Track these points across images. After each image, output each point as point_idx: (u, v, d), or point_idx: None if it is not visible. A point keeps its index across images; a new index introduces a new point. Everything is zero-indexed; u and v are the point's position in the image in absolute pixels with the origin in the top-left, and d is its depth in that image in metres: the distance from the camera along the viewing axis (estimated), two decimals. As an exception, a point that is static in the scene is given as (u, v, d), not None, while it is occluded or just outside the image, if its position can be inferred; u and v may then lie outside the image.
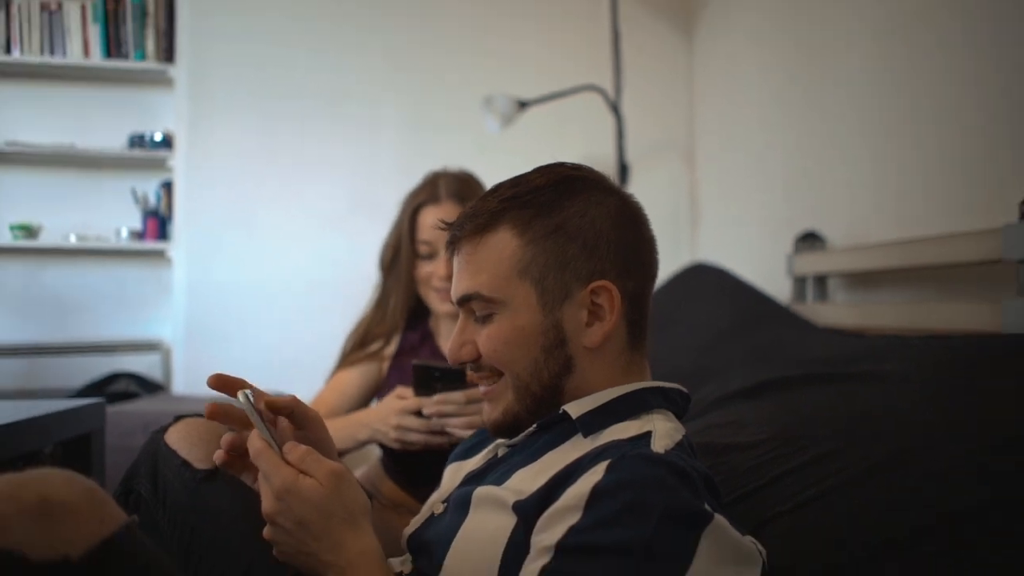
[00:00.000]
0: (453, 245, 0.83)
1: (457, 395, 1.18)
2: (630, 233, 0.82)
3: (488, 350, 0.80)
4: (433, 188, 1.45)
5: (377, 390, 1.53)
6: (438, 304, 1.46)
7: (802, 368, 1.17)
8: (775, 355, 1.34)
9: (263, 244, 2.80)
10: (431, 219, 1.42)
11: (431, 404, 1.19)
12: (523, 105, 2.52)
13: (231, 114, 2.79)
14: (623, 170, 2.59)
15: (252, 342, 2.76)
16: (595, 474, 0.67)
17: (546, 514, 0.68)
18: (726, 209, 2.63)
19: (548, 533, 0.66)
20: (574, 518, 0.65)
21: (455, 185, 1.44)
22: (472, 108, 2.68)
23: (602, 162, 2.79)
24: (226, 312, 2.76)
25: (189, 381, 2.76)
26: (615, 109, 2.58)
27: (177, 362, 2.78)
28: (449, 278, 1.40)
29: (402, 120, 2.85)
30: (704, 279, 2.00)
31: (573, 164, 0.85)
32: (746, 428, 1.03)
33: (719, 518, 0.64)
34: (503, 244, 0.79)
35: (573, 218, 0.79)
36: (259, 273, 2.78)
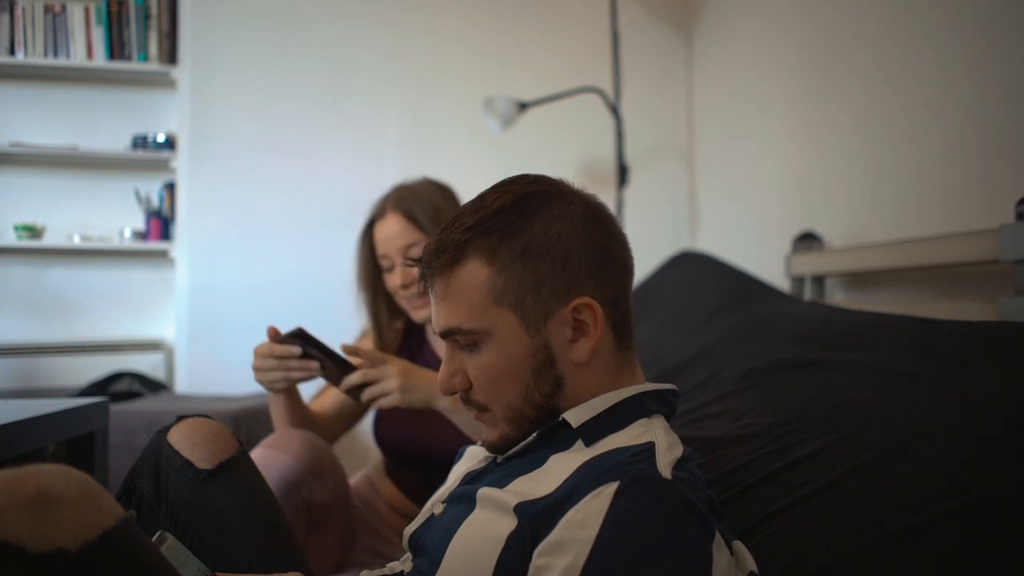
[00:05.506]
0: (424, 282, 0.81)
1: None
2: (598, 236, 0.80)
3: (480, 383, 0.80)
4: (382, 203, 1.48)
5: (363, 406, 1.52)
6: (412, 314, 1.47)
7: (788, 350, 1.16)
8: (761, 335, 1.32)
9: (265, 244, 2.80)
10: (380, 234, 1.45)
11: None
12: (523, 107, 2.52)
13: (233, 115, 2.79)
14: (622, 171, 2.59)
15: (254, 342, 2.75)
16: (603, 498, 0.66)
17: (552, 539, 0.66)
18: (724, 210, 2.63)
19: (554, 558, 0.65)
20: (582, 555, 0.63)
21: (397, 195, 1.46)
22: (473, 110, 2.68)
23: (601, 163, 2.80)
24: (228, 312, 2.76)
25: (192, 380, 2.76)
26: (614, 111, 2.58)
27: (180, 361, 2.79)
28: (405, 287, 1.43)
29: (404, 122, 2.85)
30: (690, 265, 2.01)
31: (532, 177, 0.83)
32: (739, 420, 1.02)
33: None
34: (474, 275, 0.77)
35: (539, 236, 0.77)
36: (261, 273, 2.79)
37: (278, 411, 1.31)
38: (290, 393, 1.29)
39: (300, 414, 1.32)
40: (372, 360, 1.19)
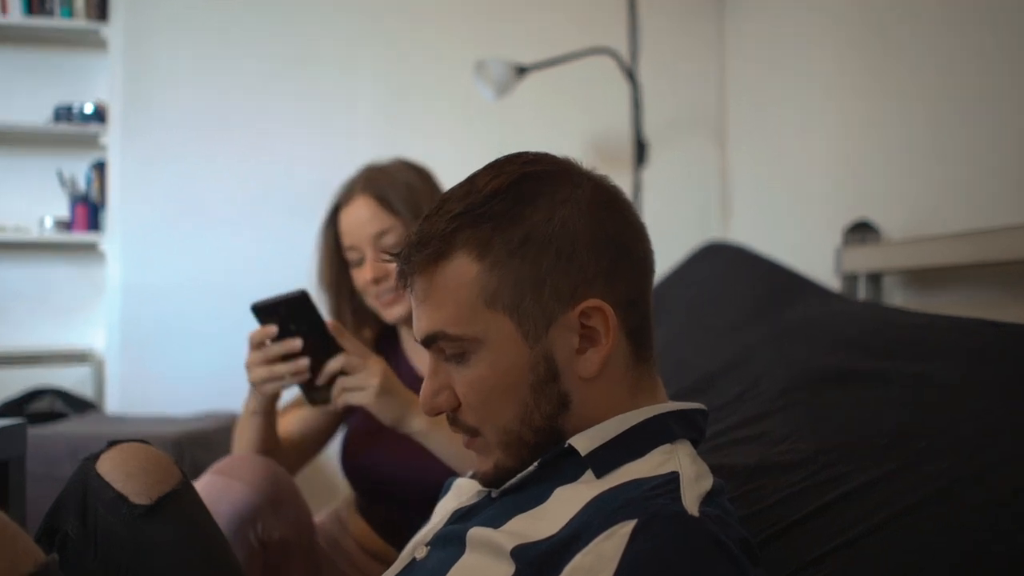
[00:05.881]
0: (404, 279, 0.80)
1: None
2: (610, 225, 0.80)
3: (470, 401, 0.79)
4: (349, 186, 1.50)
5: (337, 420, 1.54)
6: (384, 313, 1.48)
7: (835, 360, 1.16)
8: (803, 340, 1.33)
9: (213, 236, 2.80)
10: (347, 221, 1.47)
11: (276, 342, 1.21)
12: (522, 71, 2.52)
13: (175, 82, 2.79)
14: (640, 149, 2.59)
15: (198, 351, 2.76)
16: (617, 539, 0.66)
17: None
18: (762, 194, 2.64)
19: None
20: None
21: (366, 176, 1.48)
22: (462, 75, 2.68)
23: (615, 139, 2.80)
24: (169, 316, 2.76)
25: (125, 398, 2.76)
26: (631, 76, 2.59)
27: (111, 375, 2.79)
28: (376, 281, 1.44)
29: (379, 90, 2.85)
30: (719, 259, 2.02)
31: (531, 155, 0.83)
32: (777, 445, 1.03)
33: None
34: (462, 272, 0.76)
35: (539, 225, 0.76)
36: (208, 270, 2.79)
37: (250, 433, 1.32)
38: (268, 414, 1.30)
39: (273, 442, 1.34)
40: (357, 350, 1.21)
